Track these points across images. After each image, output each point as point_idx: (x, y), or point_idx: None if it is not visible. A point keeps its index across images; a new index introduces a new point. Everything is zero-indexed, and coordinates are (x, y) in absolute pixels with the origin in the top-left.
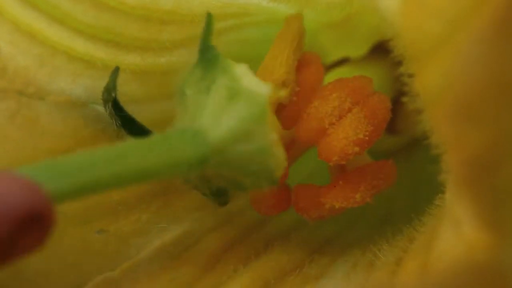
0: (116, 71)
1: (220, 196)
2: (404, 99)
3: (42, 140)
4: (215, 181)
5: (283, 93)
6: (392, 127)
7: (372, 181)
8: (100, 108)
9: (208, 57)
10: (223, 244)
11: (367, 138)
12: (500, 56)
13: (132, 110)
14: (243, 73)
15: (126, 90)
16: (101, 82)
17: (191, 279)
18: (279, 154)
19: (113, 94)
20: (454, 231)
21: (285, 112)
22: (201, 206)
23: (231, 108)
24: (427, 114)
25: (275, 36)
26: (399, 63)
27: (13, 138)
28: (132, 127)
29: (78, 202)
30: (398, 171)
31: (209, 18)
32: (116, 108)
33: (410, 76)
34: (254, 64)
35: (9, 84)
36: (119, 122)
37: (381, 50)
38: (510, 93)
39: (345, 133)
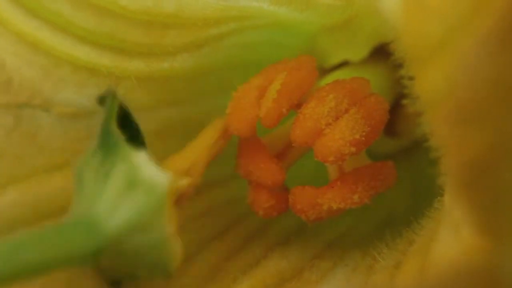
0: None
1: (112, 281)
2: (404, 101)
3: (40, 156)
4: (108, 271)
5: (185, 182)
6: (392, 130)
7: (371, 182)
8: None
9: (108, 142)
10: (223, 253)
11: (363, 138)
12: (501, 60)
13: (137, 117)
14: (143, 161)
15: (131, 98)
16: None
17: None
18: (175, 247)
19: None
20: (453, 234)
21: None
22: (201, 215)
23: (129, 198)
24: (427, 116)
25: (276, 40)
26: (399, 66)
27: (11, 154)
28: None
29: None
30: (398, 174)
31: (113, 99)
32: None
33: (410, 78)
34: (255, 68)
35: (14, 96)
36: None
37: (381, 53)
38: (510, 98)
39: (341, 133)
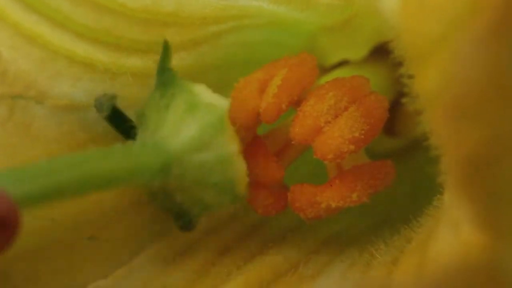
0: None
1: (183, 218)
2: (404, 100)
3: (34, 146)
4: (177, 196)
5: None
6: (391, 129)
7: (370, 181)
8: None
9: (165, 78)
10: (218, 248)
11: (363, 137)
12: (498, 57)
13: (132, 114)
14: (202, 89)
15: (127, 95)
16: (102, 86)
17: (186, 284)
18: (240, 165)
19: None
20: (452, 232)
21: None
22: None
23: (190, 119)
24: (426, 115)
25: (275, 40)
26: (399, 64)
27: (5, 145)
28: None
29: (68, 207)
30: (397, 172)
31: (166, 44)
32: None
33: (410, 77)
34: (254, 67)
35: (9, 88)
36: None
37: (381, 52)
38: (506, 94)
39: (340, 131)
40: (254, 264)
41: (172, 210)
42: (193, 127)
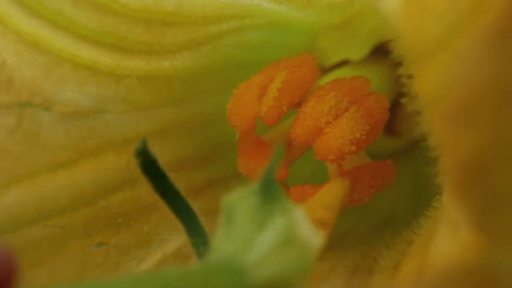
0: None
1: None
2: (403, 100)
3: (43, 154)
4: None
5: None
6: (391, 129)
7: (370, 181)
8: (107, 116)
9: (271, 192)
10: None
11: (363, 137)
12: (500, 60)
13: (138, 117)
14: (301, 218)
15: (132, 98)
16: (107, 89)
17: None
18: None
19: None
20: (450, 234)
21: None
22: (202, 214)
23: (281, 255)
24: (425, 115)
25: (276, 40)
26: (398, 65)
27: (14, 153)
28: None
29: (78, 215)
30: (398, 173)
31: (280, 150)
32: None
33: (410, 77)
34: (255, 67)
35: (15, 96)
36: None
37: (381, 52)
38: (508, 97)
39: (341, 132)
40: None
41: None
42: (281, 266)
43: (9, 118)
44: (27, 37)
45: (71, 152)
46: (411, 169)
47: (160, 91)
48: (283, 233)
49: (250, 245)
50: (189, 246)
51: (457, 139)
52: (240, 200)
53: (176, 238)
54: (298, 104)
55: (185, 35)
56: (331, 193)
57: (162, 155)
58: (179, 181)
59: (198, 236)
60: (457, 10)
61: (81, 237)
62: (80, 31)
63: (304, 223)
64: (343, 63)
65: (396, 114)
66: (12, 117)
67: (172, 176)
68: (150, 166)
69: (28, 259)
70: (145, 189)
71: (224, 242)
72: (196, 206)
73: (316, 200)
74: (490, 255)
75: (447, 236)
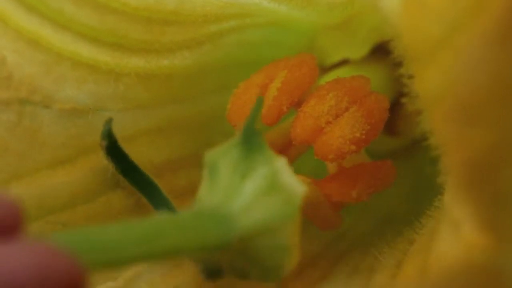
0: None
1: (214, 273)
2: (404, 100)
3: (43, 151)
4: (222, 264)
5: (314, 193)
6: (391, 128)
7: (370, 180)
8: (106, 114)
9: (252, 142)
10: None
11: (363, 137)
12: (501, 58)
13: (137, 115)
14: (283, 167)
15: (131, 96)
16: (106, 87)
17: (193, 287)
18: (294, 257)
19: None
20: (453, 233)
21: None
22: None
23: (266, 202)
24: (426, 115)
25: (276, 39)
26: (399, 64)
27: (14, 150)
28: (134, 174)
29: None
30: (398, 173)
31: (260, 101)
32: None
33: (410, 77)
34: (255, 67)
35: (15, 92)
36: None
37: (381, 51)
38: (510, 95)
39: (341, 131)
40: None
41: (207, 267)
42: (265, 212)
43: (10, 115)
44: (27, 35)
45: (70, 149)
46: (412, 168)
47: (159, 89)
48: (266, 181)
49: (234, 194)
50: None
51: (460, 139)
52: (222, 153)
53: None
54: (298, 104)
55: (185, 34)
56: None
57: (161, 153)
58: (178, 180)
59: (165, 209)
60: (457, 9)
61: None
62: (80, 29)
63: (286, 171)
64: (343, 63)
65: (396, 114)
66: (12, 114)
67: (171, 175)
68: (112, 147)
69: None
70: None
71: (209, 194)
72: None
73: None
74: (496, 254)
75: (450, 236)
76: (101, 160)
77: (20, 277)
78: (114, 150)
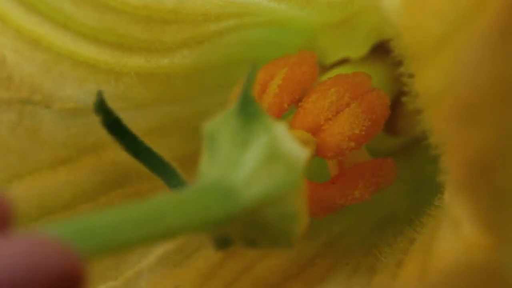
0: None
1: (224, 244)
2: (404, 99)
3: (44, 151)
4: (233, 235)
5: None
6: (391, 127)
7: (371, 178)
8: None
9: (249, 111)
10: (225, 251)
11: (363, 133)
12: (502, 57)
13: (137, 114)
14: (283, 134)
15: (131, 95)
16: (107, 87)
17: (193, 287)
18: (304, 221)
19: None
20: (453, 232)
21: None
22: None
23: (268, 171)
24: (426, 114)
25: (275, 38)
26: (399, 63)
27: (15, 150)
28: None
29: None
30: (398, 172)
31: (253, 68)
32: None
33: (410, 76)
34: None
35: (15, 92)
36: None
37: (381, 50)
38: (510, 94)
39: (340, 128)
40: (261, 267)
41: (216, 237)
42: (268, 182)
43: (10, 114)
44: (27, 34)
45: (71, 149)
46: (412, 167)
47: (159, 88)
48: (267, 149)
49: (235, 166)
50: (190, 242)
51: (460, 138)
52: (220, 124)
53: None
54: (299, 101)
55: (185, 33)
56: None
57: (162, 152)
58: None
59: (177, 184)
60: (457, 8)
61: None
62: (80, 28)
63: (286, 137)
64: (343, 62)
65: (396, 113)
66: (13, 114)
67: None
68: (113, 124)
69: None
70: (145, 186)
71: (210, 167)
72: None
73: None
74: (496, 253)
75: (450, 235)
76: (101, 160)
77: (12, 268)
78: (114, 126)
